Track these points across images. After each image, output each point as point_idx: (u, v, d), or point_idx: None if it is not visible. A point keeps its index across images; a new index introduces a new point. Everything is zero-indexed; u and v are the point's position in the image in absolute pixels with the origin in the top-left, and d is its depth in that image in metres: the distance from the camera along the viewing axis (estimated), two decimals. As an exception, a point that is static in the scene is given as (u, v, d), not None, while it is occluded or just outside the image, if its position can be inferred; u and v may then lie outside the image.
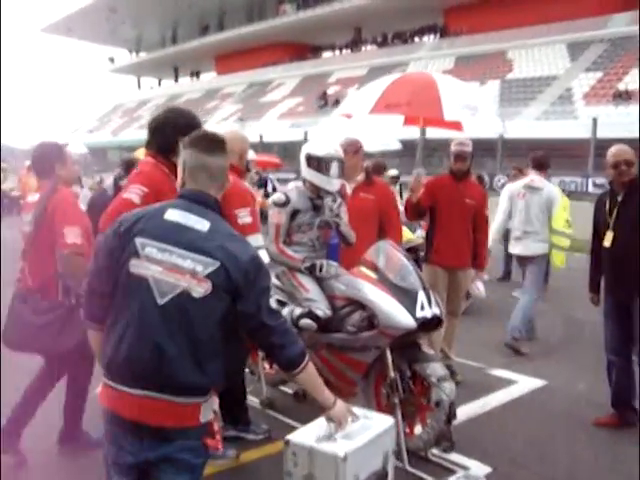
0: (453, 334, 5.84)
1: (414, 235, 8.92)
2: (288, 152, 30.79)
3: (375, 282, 4.02)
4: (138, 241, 2.17)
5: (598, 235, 4.74)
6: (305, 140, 19.84)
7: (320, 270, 4.33)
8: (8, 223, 17.45)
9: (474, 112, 5.37)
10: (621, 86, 29.53)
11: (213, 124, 48.69)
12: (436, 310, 3.94)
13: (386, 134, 11.83)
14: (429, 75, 5.97)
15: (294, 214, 4.49)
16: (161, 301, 2.13)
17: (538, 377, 5.79)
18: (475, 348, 6.65)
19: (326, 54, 55.47)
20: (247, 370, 5.11)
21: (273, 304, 2.27)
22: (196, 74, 70.19)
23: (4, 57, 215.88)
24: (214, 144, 2.32)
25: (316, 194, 4.52)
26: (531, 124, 29.12)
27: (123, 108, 69.81)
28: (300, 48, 55.50)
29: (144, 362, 2.12)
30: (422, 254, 6.59)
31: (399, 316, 3.82)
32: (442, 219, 5.65)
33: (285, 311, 4.44)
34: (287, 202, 4.46)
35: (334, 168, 4.43)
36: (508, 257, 11.13)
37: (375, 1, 43.37)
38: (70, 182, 4.30)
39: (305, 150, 4.55)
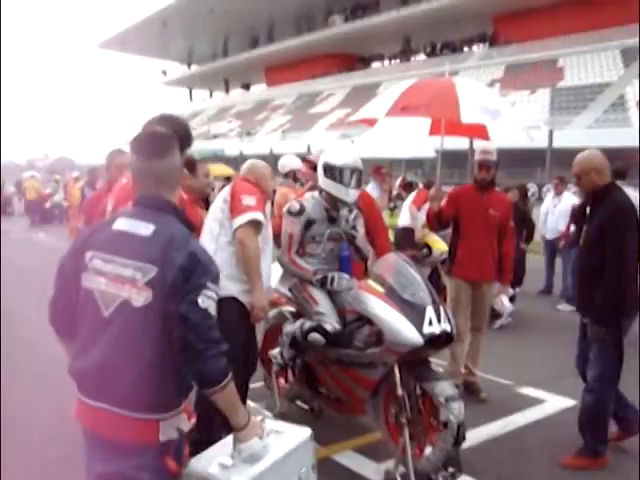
0: (478, 350, 5.63)
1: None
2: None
3: (382, 296, 3.88)
4: (88, 255, 2.12)
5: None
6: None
7: (332, 283, 4.21)
8: (56, 232, 17.86)
9: (494, 116, 5.20)
10: (678, 93, 28.58)
11: (263, 135, 49.17)
12: (446, 326, 3.77)
13: (420, 140, 11.63)
14: (448, 79, 5.85)
15: (308, 224, 4.38)
16: (106, 313, 2.07)
17: (569, 396, 5.52)
18: (506, 364, 6.41)
19: (375, 64, 55.43)
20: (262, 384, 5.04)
21: (204, 303, 2.04)
22: (246, 86, 71.00)
23: (66, 74, 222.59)
24: (157, 146, 2.19)
25: (332, 205, 4.41)
26: (583, 133, 28.38)
27: (175, 120, 70.82)
28: (349, 59, 55.61)
29: (95, 375, 2.07)
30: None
31: (405, 332, 3.66)
32: (465, 230, 5.48)
33: (296, 325, 4.35)
34: (302, 211, 4.35)
35: (352, 178, 4.32)
36: (550, 269, 10.84)
37: (424, 11, 43.16)
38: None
39: (322, 159, 4.44)
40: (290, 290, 4.48)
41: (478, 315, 5.57)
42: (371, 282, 4.06)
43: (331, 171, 4.29)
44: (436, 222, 5.54)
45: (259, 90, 68.58)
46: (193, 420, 2.26)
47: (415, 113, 5.26)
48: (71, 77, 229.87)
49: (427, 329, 3.68)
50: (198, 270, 2.06)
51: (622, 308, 4.08)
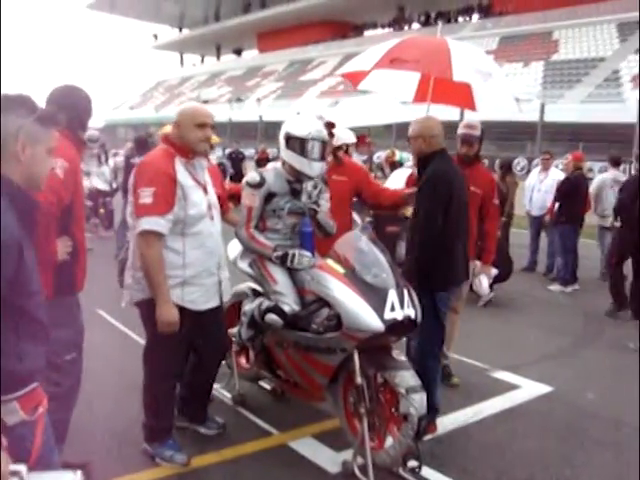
0: (453, 331, 5.34)
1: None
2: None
3: (341, 277, 3.59)
4: None
5: None
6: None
7: (292, 261, 3.91)
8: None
9: (486, 78, 4.96)
10: (673, 69, 28.16)
11: (253, 102, 48.49)
12: (409, 312, 3.49)
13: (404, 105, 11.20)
14: (441, 37, 5.54)
15: (269, 197, 4.06)
16: None
17: (545, 382, 5.29)
18: (483, 346, 6.19)
19: (368, 33, 54.46)
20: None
21: None
22: (238, 51, 69.87)
23: (52, 33, 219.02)
24: None
25: (295, 177, 4.09)
26: (575, 107, 27.99)
27: (165, 84, 69.95)
28: (342, 26, 54.68)
29: None
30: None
31: (364, 317, 3.39)
32: None
33: (255, 304, 4.08)
34: (262, 183, 4.02)
35: (316, 150, 3.97)
36: (535, 246, 10.61)
37: (419, -21, 42.35)
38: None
39: (284, 129, 4.10)
40: (250, 266, 4.19)
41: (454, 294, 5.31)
42: (330, 261, 3.76)
43: (293, 142, 3.96)
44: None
45: (251, 56, 67.48)
46: (40, 410, 1.98)
47: (405, 67, 4.98)
48: (58, 39, 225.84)
49: (389, 314, 3.40)
50: None
51: (427, 277, 4.02)
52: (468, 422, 4.49)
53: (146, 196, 3.38)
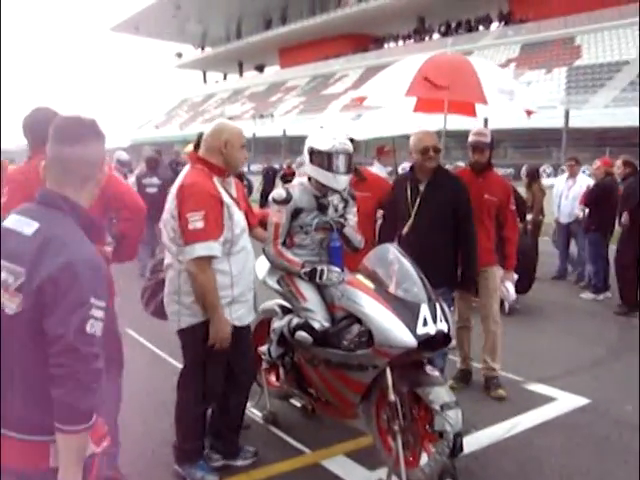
0: (496, 342, 5.28)
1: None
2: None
3: (372, 293, 3.54)
4: None
5: (393, 221, 4.63)
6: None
7: (321, 277, 3.87)
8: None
9: (511, 97, 4.94)
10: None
11: (277, 117, 48.77)
12: (442, 326, 3.42)
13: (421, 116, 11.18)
14: (463, 57, 5.48)
15: (296, 213, 4.03)
16: None
17: (582, 394, 5.17)
18: (516, 357, 6.04)
19: (389, 45, 54.60)
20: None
21: (92, 328, 1.76)
22: (260, 68, 70.45)
23: (79, 57, 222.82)
24: (71, 130, 1.90)
25: (322, 192, 4.05)
26: (600, 112, 27.70)
27: (189, 102, 70.84)
28: (363, 39, 54.92)
29: None
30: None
31: (397, 333, 3.33)
32: None
33: (284, 321, 4.04)
34: (288, 199, 3.99)
35: (341, 163, 3.93)
36: (565, 254, 10.45)
37: (438, -11, 42.39)
38: None
39: (307, 144, 4.08)
40: (278, 283, 4.15)
41: (484, 303, 5.26)
42: (360, 277, 3.72)
43: (317, 157, 3.92)
44: None
45: (273, 72, 67.98)
46: (105, 443, 1.95)
47: (436, 95, 4.93)
48: (84, 61, 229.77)
49: (421, 329, 3.34)
50: (77, 285, 1.75)
51: None
52: (504, 437, 4.39)
53: (196, 221, 3.33)
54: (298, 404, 4.75)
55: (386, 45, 54.71)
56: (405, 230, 4.46)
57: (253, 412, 4.69)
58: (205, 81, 79.38)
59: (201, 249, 3.35)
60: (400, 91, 4.94)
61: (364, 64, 51.01)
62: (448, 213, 4.50)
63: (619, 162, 8.90)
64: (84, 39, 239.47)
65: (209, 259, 3.39)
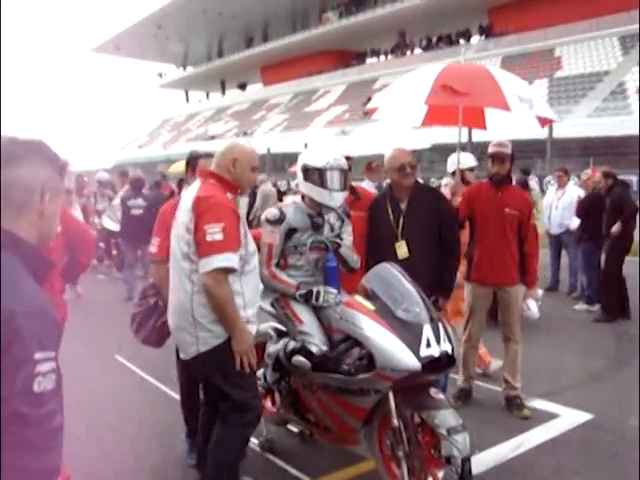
0: (516, 361, 5.18)
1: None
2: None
3: (372, 314, 3.42)
4: None
5: (378, 245, 4.42)
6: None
7: (317, 298, 3.74)
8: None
9: (530, 105, 4.77)
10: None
11: (260, 135, 48.75)
12: (446, 347, 3.30)
13: (410, 132, 11.04)
14: (480, 65, 5.39)
15: (290, 233, 3.91)
16: None
17: (585, 409, 5.06)
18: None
19: (371, 60, 54.88)
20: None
21: (40, 386, 1.47)
22: (243, 86, 70.52)
23: (59, 78, 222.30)
24: (4, 151, 1.60)
25: (316, 211, 3.94)
26: (583, 122, 27.88)
27: (172, 122, 70.74)
28: (344, 55, 55.17)
29: None
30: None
31: (400, 356, 3.20)
32: (480, 231, 5.07)
33: (279, 345, 3.91)
34: (282, 219, 3.87)
35: (335, 180, 3.82)
36: (556, 265, 10.39)
37: (418, 4, 42.65)
38: None
39: (301, 161, 3.97)
40: (272, 305, 4.02)
41: (507, 323, 5.14)
42: (359, 298, 3.59)
43: (312, 174, 3.81)
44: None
45: (255, 89, 68.08)
46: None
47: (458, 101, 4.74)
48: (65, 82, 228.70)
49: (425, 351, 3.22)
50: (18, 338, 1.45)
51: None
52: (509, 457, 4.26)
53: (216, 232, 3.13)
54: (295, 430, 4.60)
55: (368, 60, 54.95)
56: (401, 255, 4.30)
57: (250, 440, 4.53)
58: (188, 100, 79.26)
59: (219, 260, 3.12)
60: (419, 99, 4.77)
61: (346, 80, 51.24)
62: (433, 227, 4.39)
63: (598, 174, 8.89)
64: (66, 60, 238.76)
65: (226, 273, 3.17)
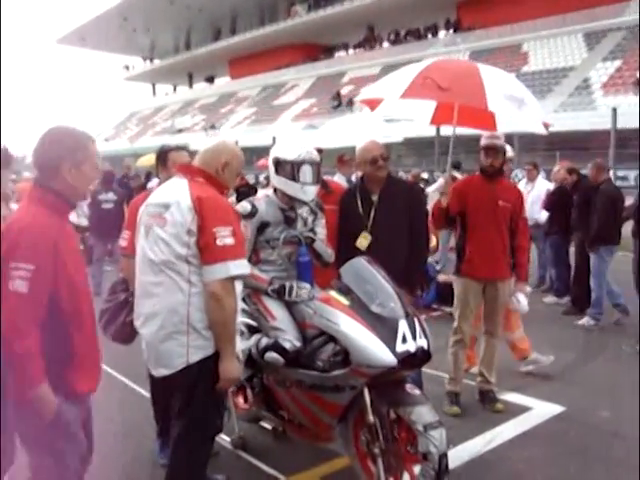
0: (494, 356, 5.16)
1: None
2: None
3: (347, 310, 3.36)
4: None
5: (348, 237, 4.32)
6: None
7: (290, 294, 3.68)
8: None
9: (520, 105, 4.59)
10: (642, 74, 28.46)
11: (228, 128, 48.38)
12: (422, 342, 3.27)
13: (384, 125, 10.86)
14: (470, 62, 5.27)
15: (262, 227, 3.84)
16: None
17: (556, 402, 5.08)
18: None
19: (339, 54, 54.74)
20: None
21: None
22: (210, 79, 69.88)
23: (22, 71, 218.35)
24: None
25: (289, 204, 3.87)
26: (549, 117, 28.13)
27: (139, 115, 69.75)
28: (313, 49, 54.94)
29: None
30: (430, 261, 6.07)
31: (375, 352, 3.15)
32: (473, 225, 4.99)
33: (252, 341, 3.83)
34: (253, 213, 3.80)
35: (308, 173, 3.76)
36: (543, 260, 10.43)
37: (386, -2, 42.70)
38: None
39: (273, 153, 3.90)
40: (244, 301, 3.94)
41: (491, 318, 5.11)
42: (333, 293, 3.54)
43: (283, 167, 3.75)
44: (442, 219, 5.01)
45: (223, 83, 67.50)
46: None
47: (434, 96, 4.64)
48: (28, 74, 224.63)
49: (400, 347, 3.17)
50: None
51: None
52: (483, 450, 4.26)
53: (226, 236, 2.87)
54: (269, 426, 4.54)
55: (336, 54, 54.76)
56: (362, 246, 4.21)
57: (222, 437, 4.46)
58: (155, 93, 78.22)
59: (235, 268, 2.88)
60: (396, 94, 4.62)
61: (315, 73, 51.00)
62: (404, 221, 4.32)
63: (563, 171, 8.94)
64: (30, 52, 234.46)
65: (234, 281, 2.96)
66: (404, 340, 3.19)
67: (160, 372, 3.06)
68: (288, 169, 3.73)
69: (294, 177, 3.73)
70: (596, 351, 6.71)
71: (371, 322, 3.26)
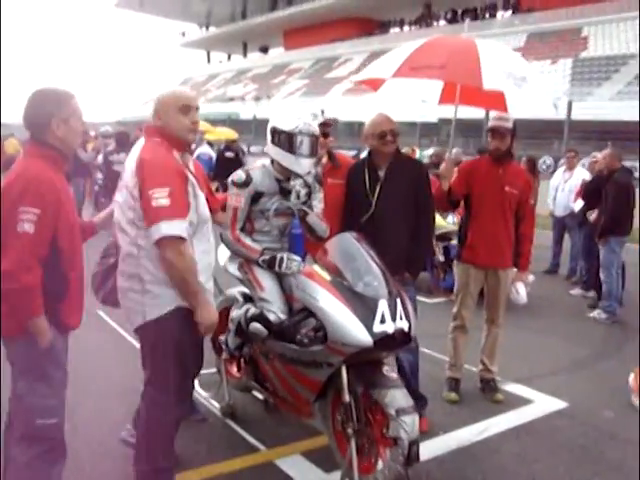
0: (495, 345, 5.03)
1: (445, 221, 8.11)
2: (351, 129, 30.25)
3: (328, 285, 3.28)
4: None
5: (352, 212, 4.22)
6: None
7: (280, 265, 3.61)
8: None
9: (520, 83, 4.35)
10: None
11: (279, 99, 48.34)
12: (402, 324, 3.17)
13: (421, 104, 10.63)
14: (469, 38, 5.04)
15: (257, 197, 3.76)
16: None
17: (561, 397, 4.93)
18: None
19: (394, 30, 53.99)
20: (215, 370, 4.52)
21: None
22: (264, 49, 69.83)
23: (79, 32, 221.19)
24: None
25: (285, 176, 3.78)
26: (604, 105, 27.28)
27: (192, 82, 70.20)
28: (368, 24, 54.30)
29: None
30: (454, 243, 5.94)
31: (351, 330, 3.07)
32: (477, 210, 4.83)
33: (241, 311, 3.80)
34: (248, 182, 3.72)
35: (304, 145, 3.64)
36: (558, 248, 10.20)
37: (447, -25, 41.83)
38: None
39: (271, 123, 3.80)
40: (238, 269, 3.90)
41: (493, 306, 4.96)
42: (317, 267, 3.46)
43: (280, 137, 3.65)
44: (446, 202, 4.83)
45: (277, 54, 67.35)
46: None
47: (427, 74, 4.44)
48: (86, 36, 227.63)
49: (378, 327, 3.08)
50: None
51: None
52: (472, 441, 4.15)
53: (161, 197, 2.87)
54: (260, 397, 4.51)
55: (391, 30, 54.05)
56: (366, 218, 4.11)
57: (212, 404, 4.46)
58: (209, 61, 78.68)
59: (167, 228, 2.87)
60: (389, 71, 4.42)
61: (368, 49, 50.42)
62: (410, 198, 4.17)
63: (607, 159, 8.45)
64: (88, 15, 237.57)
65: (183, 240, 2.94)
66: (382, 320, 3.10)
67: (130, 327, 3.24)
68: (284, 139, 3.64)
69: (290, 148, 3.64)
70: (612, 348, 6.48)
71: (350, 300, 3.17)
